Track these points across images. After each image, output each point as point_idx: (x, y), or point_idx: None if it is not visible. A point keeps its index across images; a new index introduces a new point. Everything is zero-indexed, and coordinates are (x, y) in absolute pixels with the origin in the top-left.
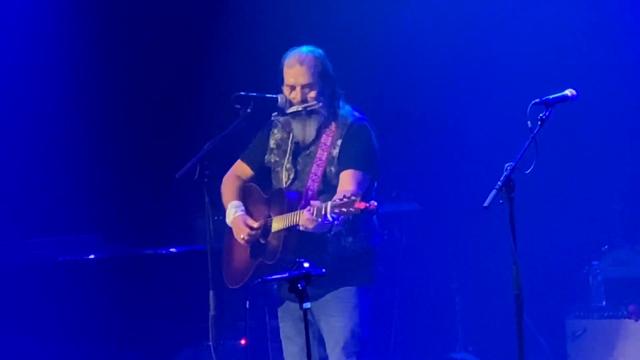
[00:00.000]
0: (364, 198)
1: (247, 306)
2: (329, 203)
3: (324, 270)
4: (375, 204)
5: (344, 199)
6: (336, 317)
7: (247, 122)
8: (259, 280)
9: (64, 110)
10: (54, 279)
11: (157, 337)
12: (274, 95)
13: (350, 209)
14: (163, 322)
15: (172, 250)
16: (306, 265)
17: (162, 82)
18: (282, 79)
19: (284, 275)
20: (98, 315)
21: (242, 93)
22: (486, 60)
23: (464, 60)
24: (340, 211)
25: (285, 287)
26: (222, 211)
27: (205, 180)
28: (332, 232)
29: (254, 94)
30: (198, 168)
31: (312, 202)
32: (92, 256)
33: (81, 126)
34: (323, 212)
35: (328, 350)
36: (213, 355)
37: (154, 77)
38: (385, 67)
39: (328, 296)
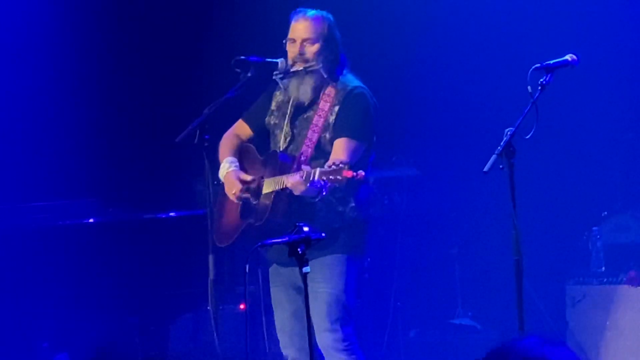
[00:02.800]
0: (356, 167)
1: (247, 270)
2: (318, 169)
3: (323, 234)
4: (363, 173)
5: (333, 167)
6: (322, 283)
7: (247, 86)
8: (259, 243)
9: (62, 74)
10: (53, 243)
11: (156, 302)
12: (275, 60)
13: (338, 176)
14: (162, 286)
15: (172, 214)
16: (306, 229)
17: (162, 46)
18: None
19: (284, 239)
20: (97, 279)
21: (242, 57)
22: (487, 25)
23: (465, 24)
24: (328, 178)
25: (274, 250)
26: None
27: (205, 144)
28: (319, 198)
29: (255, 58)
30: (198, 132)
31: (302, 166)
32: (91, 220)
33: (81, 91)
34: (312, 178)
35: (313, 316)
36: (212, 319)
37: (155, 40)
38: (386, 31)
39: (315, 262)
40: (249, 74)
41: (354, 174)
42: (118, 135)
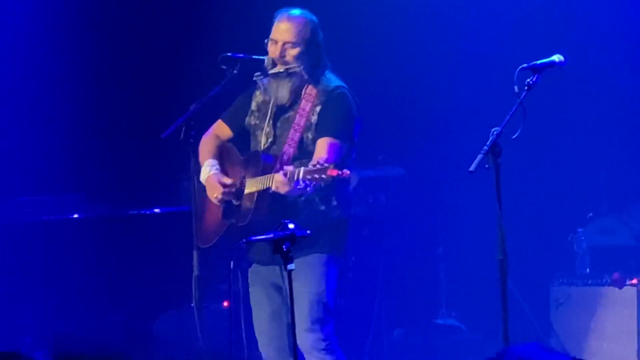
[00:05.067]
0: (339, 167)
1: (232, 266)
2: (302, 168)
3: (308, 231)
4: (348, 172)
5: (317, 166)
6: (302, 283)
7: (233, 83)
8: (244, 240)
9: (48, 69)
10: (37, 238)
11: (140, 298)
12: (261, 57)
13: (323, 175)
14: (146, 282)
15: (156, 210)
16: (291, 226)
17: (148, 42)
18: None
19: (269, 236)
20: (81, 275)
21: (228, 54)
22: (474, 25)
23: (451, 24)
24: (313, 177)
25: (255, 249)
26: None
27: (191, 140)
28: (303, 198)
29: (241, 55)
30: (184, 129)
31: (285, 166)
32: (76, 215)
33: (66, 86)
34: (296, 177)
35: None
36: (196, 316)
37: (141, 37)
38: (372, 31)
39: (296, 262)
40: (235, 71)
41: (339, 172)
42: (103, 130)
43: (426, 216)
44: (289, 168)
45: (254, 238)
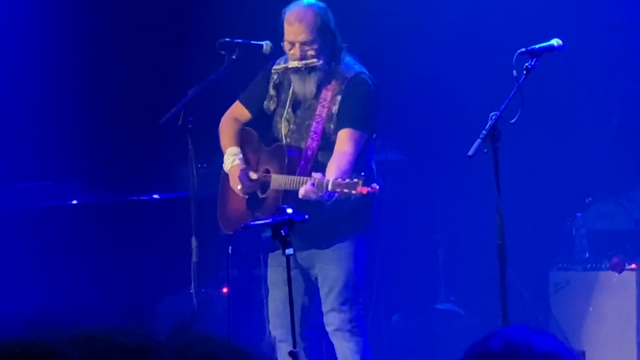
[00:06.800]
0: (361, 158)
1: (230, 252)
2: (332, 180)
3: (307, 216)
4: (377, 187)
5: (347, 180)
6: (331, 264)
7: (232, 68)
8: (242, 225)
9: (45, 57)
10: (36, 224)
11: (139, 284)
12: (260, 42)
13: (352, 191)
14: (145, 269)
15: (155, 196)
16: (289, 211)
17: (146, 27)
18: (282, 33)
19: (267, 221)
20: (80, 261)
21: (227, 39)
22: (472, 10)
23: (450, 9)
24: (342, 191)
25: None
26: (205, 158)
27: (189, 126)
28: (330, 203)
29: (240, 40)
30: (182, 114)
31: (313, 174)
32: (74, 202)
33: (63, 73)
34: (324, 188)
35: (322, 296)
36: (195, 302)
37: (138, 22)
38: (369, 17)
39: (323, 244)
40: (234, 56)
41: (369, 189)
42: (101, 117)
43: (425, 201)
44: (317, 176)
45: (251, 223)
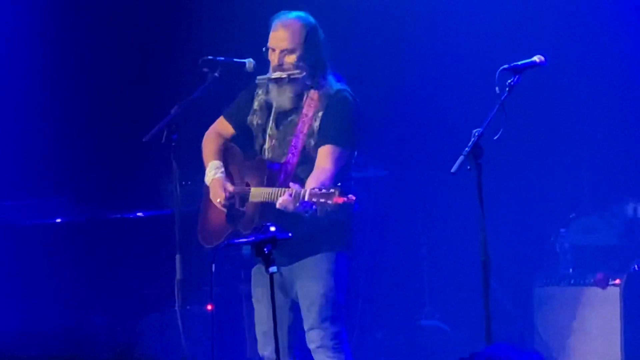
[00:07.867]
0: (342, 171)
1: (213, 269)
2: (308, 190)
3: (290, 234)
4: (354, 198)
5: (323, 190)
6: (311, 281)
7: (214, 86)
8: (225, 242)
9: (30, 73)
10: (20, 242)
11: (123, 301)
12: (242, 60)
13: (328, 201)
14: (129, 286)
15: (139, 214)
16: (272, 229)
17: (130, 44)
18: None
19: (250, 239)
20: (64, 279)
21: (209, 57)
22: (455, 26)
23: (432, 25)
24: (318, 201)
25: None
26: (189, 176)
27: (173, 144)
28: (308, 214)
29: (222, 58)
30: (165, 132)
31: (291, 184)
32: (58, 220)
33: (48, 89)
34: (301, 198)
35: (303, 314)
36: (179, 320)
37: (122, 38)
38: (353, 31)
39: (304, 261)
40: (216, 74)
41: (345, 199)
42: (86, 134)
43: (409, 217)
44: (295, 187)
45: (234, 241)
